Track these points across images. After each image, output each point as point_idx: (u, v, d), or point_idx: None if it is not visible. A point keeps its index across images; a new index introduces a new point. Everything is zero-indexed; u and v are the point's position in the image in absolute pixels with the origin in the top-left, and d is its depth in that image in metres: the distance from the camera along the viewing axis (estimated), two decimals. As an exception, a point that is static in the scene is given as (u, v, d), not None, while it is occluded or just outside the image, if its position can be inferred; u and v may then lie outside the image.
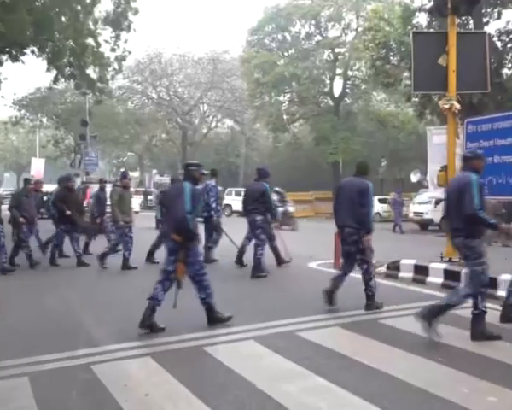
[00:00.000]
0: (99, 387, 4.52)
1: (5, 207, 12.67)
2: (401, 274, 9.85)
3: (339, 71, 42.89)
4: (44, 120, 48.82)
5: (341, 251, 7.80)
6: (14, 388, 4.55)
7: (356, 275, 10.28)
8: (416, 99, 22.33)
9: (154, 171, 59.23)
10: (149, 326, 6.15)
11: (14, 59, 20.64)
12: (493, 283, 8.06)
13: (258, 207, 10.47)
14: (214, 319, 6.47)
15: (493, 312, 7.14)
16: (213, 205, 11.76)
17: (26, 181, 12.33)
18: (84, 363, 5.10)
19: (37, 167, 47.67)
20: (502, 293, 7.84)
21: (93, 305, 7.81)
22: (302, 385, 4.49)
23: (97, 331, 6.25)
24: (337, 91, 43.05)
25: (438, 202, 19.49)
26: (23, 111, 47.18)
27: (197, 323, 6.53)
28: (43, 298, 8.34)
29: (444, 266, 9.24)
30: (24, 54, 20.93)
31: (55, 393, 4.43)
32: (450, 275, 8.84)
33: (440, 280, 8.96)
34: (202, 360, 5.19)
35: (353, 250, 7.46)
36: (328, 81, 43.27)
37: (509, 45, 20.17)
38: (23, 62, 21.28)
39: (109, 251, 11.34)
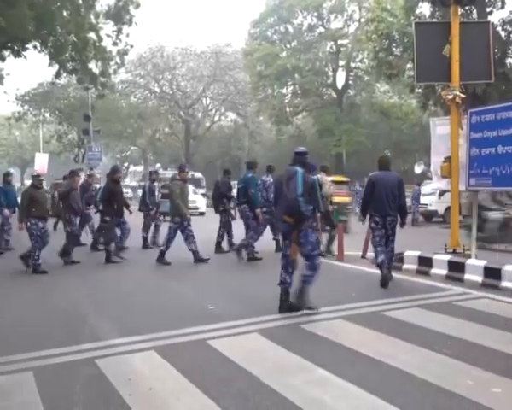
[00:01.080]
0: (103, 381, 4.53)
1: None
2: (405, 266, 9.82)
3: (341, 63, 42.82)
4: (47, 115, 48.81)
5: (379, 236, 8.61)
6: (18, 382, 4.57)
7: (359, 267, 10.33)
8: (420, 90, 22.23)
9: (158, 165, 59.25)
10: (289, 309, 6.51)
11: (17, 54, 20.65)
12: (497, 273, 8.05)
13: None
14: (293, 307, 6.61)
15: (498, 303, 7.14)
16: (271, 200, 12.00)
17: (73, 173, 12.50)
18: (88, 357, 5.10)
19: (41, 163, 47.70)
20: (505, 284, 7.83)
21: (101, 298, 7.84)
22: (306, 378, 4.49)
23: (101, 325, 6.26)
24: (340, 83, 43.02)
25: (442, 193, 19.44)
26: (26, 106, 47.22)
27: (201, 316, 6.54)
28: (49, 293, 8.37)
29: (448, 257, 9.20)
30: (26, 49, 20.95)
31: (59, 387, 4.44)
32: (455, 266, 8.81)
33: (444, 272, 8.93)
34: (206, 354, 5.19)
35: (390, 234, 8.56)
36: (330, 73, 43.22)
37: (512, 35, 20.05)
38: (25, 57, 21.31)
39: (165, 248, 11.10)
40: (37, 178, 11.09)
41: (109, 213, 11.64)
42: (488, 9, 19.64)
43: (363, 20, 36.99)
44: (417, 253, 9.90)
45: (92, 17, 21.93)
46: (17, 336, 5.93)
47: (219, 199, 13.04)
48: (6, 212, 13.69)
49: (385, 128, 42.49)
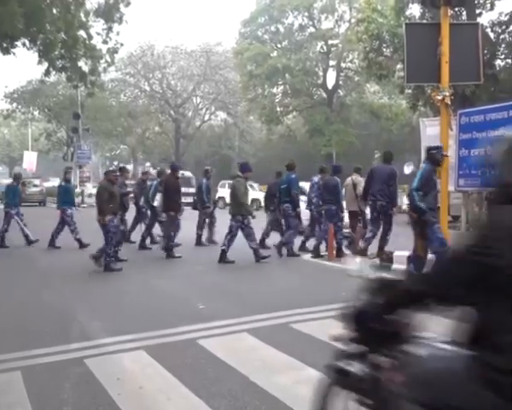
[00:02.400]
0: (92, 381, 4.51)
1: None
2: (395, 266, 9.84)
3: (332, 63, 42.86)
4: (36, 113, 48.52)
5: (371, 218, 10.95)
6: (6, 382, 4.53)
7: (350, 267, 10.33)
8: (409, 91, 22.30)
9: (148, 164, 59.05)
10: None
11: (5, 51, 20.46)
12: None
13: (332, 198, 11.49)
14: None
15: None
16: (314, 200, 12.33)
17: (122, 169, 12.60)
18: (77, 357, 5.08)
19: (30, 161, 47.52)
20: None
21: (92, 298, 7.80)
22: (295, 377, 4.49)
23: (91, 325, 6.23)
24: (330, 83, 43.06)
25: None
26: (15, 104, 46.90)
27: (190, 315, 6.53)
28: (40, 292, 8.31)
29: (437, 257, 9.24)
30: (15, 46, 20.76)
31: (47, 387, 4.41)
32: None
33: (433, 271, 8.96)
34: (196, 353, 5.18)
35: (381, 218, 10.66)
36: (321, 73, 43.25)
37: (501, 36, 20.16)
38: (14, 55, 21.13)
39: (227, 248, 11.01)
40: (112, 173, 10.96)
41: (171, 210, 11.84)
42: (477, 11, 19.77)
43: (353, 20, 37.01)
44: (407, 253, 9.95)
45: (82, 15, 21.79)
46: (5, 335, 5.88)
47: (269, 199, 13.50)
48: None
49: (375, 128, 42.60)
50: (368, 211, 11.44)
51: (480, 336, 1.88)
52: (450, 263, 2.06)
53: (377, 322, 2.24)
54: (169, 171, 12.86)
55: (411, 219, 8.16)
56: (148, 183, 13.74)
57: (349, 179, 12.65)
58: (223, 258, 10.92)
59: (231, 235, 11.05)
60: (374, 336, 2.27)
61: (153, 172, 21.62)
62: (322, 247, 11.71)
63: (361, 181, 12.10)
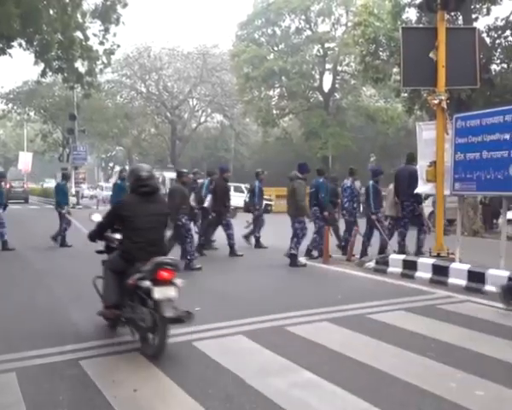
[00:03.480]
0: (87, 382, 4.49)
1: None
2: (390, 269, 9.88)
3: (328, 66, 42.95)
4: (32, 113, 48.38)
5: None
6: (1, 383, 4.50)
7: (345, 270, 10.38)
8: (405, 94, 22.35)
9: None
10: None
11: (2, 52, 20.45)
12: (481, 277, 8.12)
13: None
14: None
15: (481, 306, 7.21)
16: (346, 205, 12.42)
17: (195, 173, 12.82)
18: (72, 358, 5.06)
19: (25, 162, 47.41)
20: (489, 288, 7.90)
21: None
22: (291, 380, 4.49)
23: (86, 326, 6.21)
24: (327, 86, 43.16)
25: (426, 197, 19.54)
26: (10, 105, 46.81)
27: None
28: (33, 292, 8.28)
29: (432, 261, 9.27)
30: (11, 47, 20.75)
31: (42, 389, 4.39)
32: (439, 270, 8.88)
33: (429, 275, 8.99)
34: (191, 355, 5.18)
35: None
36: (317, 76, 43.35)
37: (497, 41, 20.21)
38: (10, 55, 21.10)
39: (296, 251, 11.05)
40: (183, 174, 11.13)
41: (219, 211, 12.00)
42: (474, 16, 19.81)
43: (350, 23, 37.09)
44: (402, 256, 9.98)
45: (79, 16, 21.82)
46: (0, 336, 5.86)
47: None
48: None
49: (371, 132, 42.70)
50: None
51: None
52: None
53: None
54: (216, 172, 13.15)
55: None
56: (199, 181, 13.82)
57: (391, 186, 12.30)
58: (293, 262, 10.93)
59: (297, 237, 11.06)
60: None
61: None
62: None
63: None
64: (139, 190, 5.60)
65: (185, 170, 11.87)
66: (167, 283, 5.11)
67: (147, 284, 5.07)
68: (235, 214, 12.69)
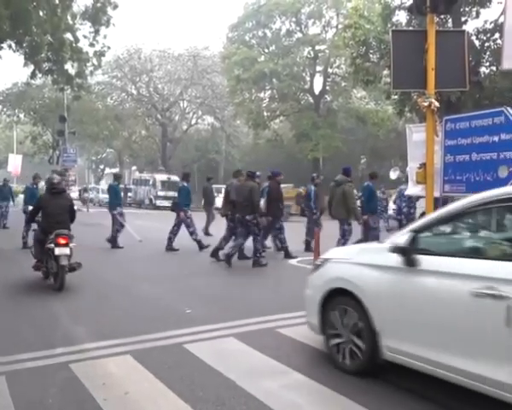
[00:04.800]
0: (78, 386, 4.48)
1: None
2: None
3: (319, 68, 43.03)
4: (22, 115, 48.08)
5: None
6: (-10, 387, 4.48)
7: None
8: (396, 97, 22.43)
9: (134, 167, 58.85)
10: None
11: (-9, 54, 20.32)
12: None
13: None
14: None
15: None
16: (405, 210, 12.31)
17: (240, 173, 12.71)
18: (62, 361, 5.04)
19: (15, 164, 47.10)
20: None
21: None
22: (282, 382, 4.50)
23: (75, 329, 6.18)
24: (317, 88, 43.22)
25: (416, 199, 19.60)
26: (0, 106, 46.49)
27: (177, 320, 6.51)
28: (21, 294, 8.23)
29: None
30: (0, 48, 20.61)
31: (32, 392, 4.37)
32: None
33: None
34: (182, 358, 5.17)
35: None
36: (308, 78, 43.42)
37: (486, 44, 20.35)
38: (0, 57, 20.98)
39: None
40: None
41: (274, 214, 12.07)
42: (463, 19, 19.96)
43: (340, 26, 37.14)
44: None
45: (69, 17, 21.68)
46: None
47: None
48: None
49: (361, 134, 42.82)
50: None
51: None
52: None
53: None
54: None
55: None
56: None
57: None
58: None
59: (345, 239, 11.28)
60: None
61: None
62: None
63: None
64: (51, 190, 8.99)
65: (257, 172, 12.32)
66: (64, 245, 8.37)
67: (51, 246, 8.35)
68: (288, 217, 12.66)
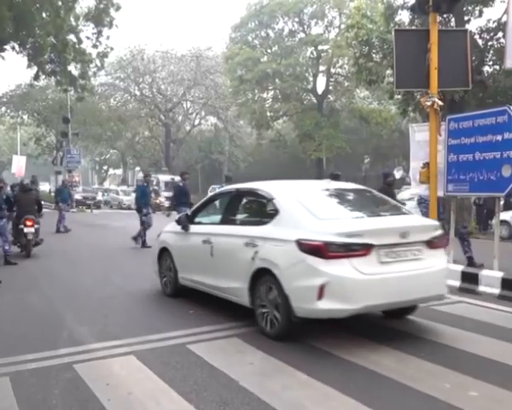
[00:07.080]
0: (81, 386, 4.49)
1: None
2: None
3: (322, 68, 42.97)
4: (25, 117, 48.23)
5: None
6: (-6, 388, 4.50)
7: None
8: (399, 96, 22.37)
9: (137, 168, 58.89)
10: None
11: (-5, 55, 20.40)
12: (474, 278, 8.15)
13: None
14: None
15: (475, 307, 7.24)
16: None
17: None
18: (66, 362, 5.05)
19: (19, 165, 47.15)
20: (482, 288, 7.93)
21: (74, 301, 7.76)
22: (285, 382, 4.49)
23: (80, 330, 6.19)
24: (320, 88, 43.17)
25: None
26: (3, 108, 46.67)
27: (180, 320, 6.51)
28: (25, 295, 8.26)
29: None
30: (4, 50, 20.73)
31: (36, 393, 4.38)
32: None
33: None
34: (185, 358, 5.17)
35: None
36: (311, 78, 43.37)
37: (489, 43, 20.26)
38: (3, 59, 21.07)
39: None
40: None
41: None
42: (466, 18, 19.87)
43: (343, 26, 37.12)
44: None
45: (72, 19, 21.80)
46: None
47: None
48: None
49: (364, 134, 42.77)
50: None
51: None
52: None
53: None
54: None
55: None
56: None
57: None
58: None
59: None
60: None
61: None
62: None
63: None
64: (23, 189, 13.34)
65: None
66: (30, 226, 12.45)
67: (21, 226, 12.42)
68: None
